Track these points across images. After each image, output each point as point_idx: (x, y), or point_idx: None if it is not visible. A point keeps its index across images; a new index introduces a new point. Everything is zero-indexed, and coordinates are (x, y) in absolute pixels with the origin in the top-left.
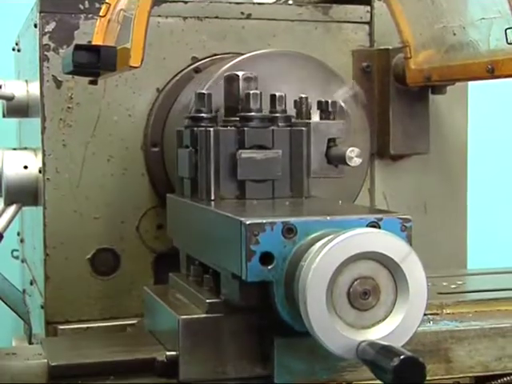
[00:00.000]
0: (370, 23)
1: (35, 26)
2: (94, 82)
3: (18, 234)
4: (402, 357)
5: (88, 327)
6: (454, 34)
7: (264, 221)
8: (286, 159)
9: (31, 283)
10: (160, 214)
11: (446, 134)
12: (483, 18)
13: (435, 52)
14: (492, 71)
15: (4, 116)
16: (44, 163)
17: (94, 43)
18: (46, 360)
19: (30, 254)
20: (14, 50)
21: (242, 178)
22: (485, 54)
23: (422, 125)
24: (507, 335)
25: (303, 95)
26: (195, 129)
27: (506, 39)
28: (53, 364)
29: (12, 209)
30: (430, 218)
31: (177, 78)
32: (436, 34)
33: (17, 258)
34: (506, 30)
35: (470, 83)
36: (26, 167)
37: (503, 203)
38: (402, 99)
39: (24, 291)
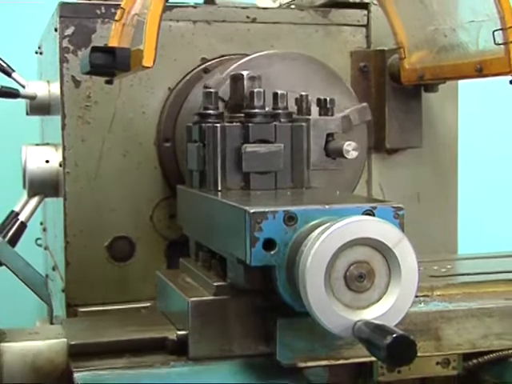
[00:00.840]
0: (367, 26)
1: (55, 30)
2: (109, 82)
3: (41, 224)
4: (394, 335)
5: (105, 310)
6: (445, 36)
7: (267, 209)
8: (288, 153)
9: (53, 269)
10: (172, 204)
11: (438, 129)
12: (472, 21)
13: (427, 53)
14: (480, 70)
15: (27, 114)
16: (64, 157)
17: (109, 45)
18: (65, 339)
19: (51, 241)
20: (36, 53)
21: (247, 170)
22: (474, 55)
23: (416, 121)
24: (493, 315)
25: (304, 93)
26: (203, 125)
27: (494, 40)
28: (72, 342)
29: (35, 200)
30: (423, 207)
31: (187, 77)
32: (428, 35)
33: (40, 245)
34: (493, 32)
35: (460, 82)
36: (47, 161)
37: (491, 193)
38: (397, 97)
39: (47, 276)
